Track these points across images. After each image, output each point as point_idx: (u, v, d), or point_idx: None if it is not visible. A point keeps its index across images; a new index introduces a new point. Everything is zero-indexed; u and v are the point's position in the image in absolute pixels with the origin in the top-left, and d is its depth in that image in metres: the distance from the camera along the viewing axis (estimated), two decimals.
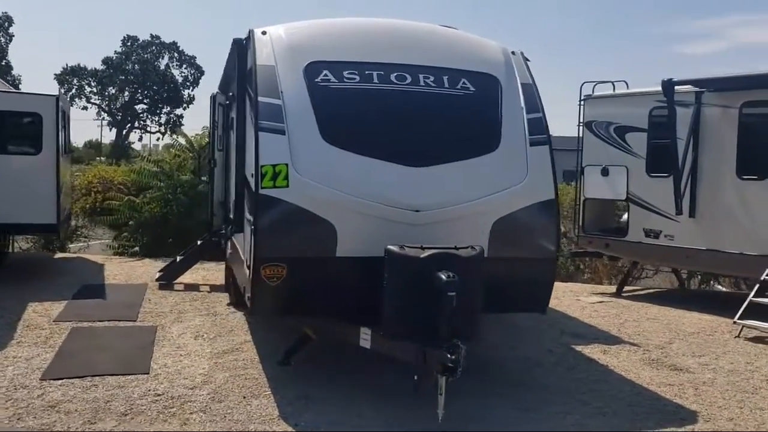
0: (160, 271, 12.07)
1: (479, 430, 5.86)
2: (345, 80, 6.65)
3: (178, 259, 12.08)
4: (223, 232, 11.25)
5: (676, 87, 10.55)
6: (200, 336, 8.55)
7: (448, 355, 5.48)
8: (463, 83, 6.91)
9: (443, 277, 5.54)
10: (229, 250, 9.84)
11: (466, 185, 6.56)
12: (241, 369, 7.26)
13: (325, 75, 6.63)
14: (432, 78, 6.82)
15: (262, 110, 6.41)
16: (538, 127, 6.98)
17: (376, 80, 6.70)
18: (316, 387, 6.66)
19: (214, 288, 11.64)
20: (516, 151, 6.81)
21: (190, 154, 16.64)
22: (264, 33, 6.93)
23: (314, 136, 6.40)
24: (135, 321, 9.27)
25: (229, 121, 10.66)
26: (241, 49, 7.39)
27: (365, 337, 6.25)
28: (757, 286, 9.64)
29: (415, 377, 5.73)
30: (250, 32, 7.00)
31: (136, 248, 15.93)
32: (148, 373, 7.06)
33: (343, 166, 6.37)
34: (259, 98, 6.47)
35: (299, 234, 6.31)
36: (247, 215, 6.47)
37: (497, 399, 6.53)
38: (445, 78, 6.87)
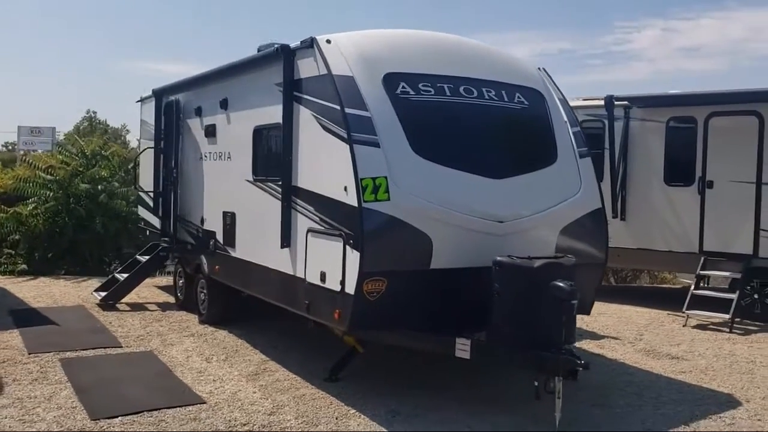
0: (98, 291, 11.00)
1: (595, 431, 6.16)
2: (422, 93, 6.65)
3: (117, 277, 11.06)
4: (168, 245, 10.59)
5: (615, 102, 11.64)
6: (210, 359, 8.02)
7: (578, 360, 5.75)
8: (518, 97, 7.20)
9: (565, 286, 5.79)
10: (209, 266, 9.27)
11: (538, 196, 6.87)
12: (293, 389, 6.97)
13: (404, 87, 6.59)
14: (493, 92, 7.03)
15: (352, 122, 6.23)
16: (580, 140, 7.47)
17: (448, 93, 6.77)
18: (395, 401, 6.59)
19: (160, 305, 10.86)
20: (570, 163, 7.23)
21: (81, 161, 15.18)
22: (329, 41, 6.71)
23: (405, 148, 6.34)
24: (122, 347, 8.43)
25: (175, 126, 10.08)
26: (289, 55, 7.10)
27: (463, 348, 6.30)
28: (694, 280, 10.96)
29: (536, 383, 5.92)
30: (313, 40, 6.75)
31: (23, 266, 14.23)
32: (205, 403, 6.54)
33: (434, 178, 6.39)
34: (347, 110, 6.28)
35: (399, 247, 6.23)
36: (342, 229, 6.24)
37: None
38: (504, 92, 7.11)
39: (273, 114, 7.56)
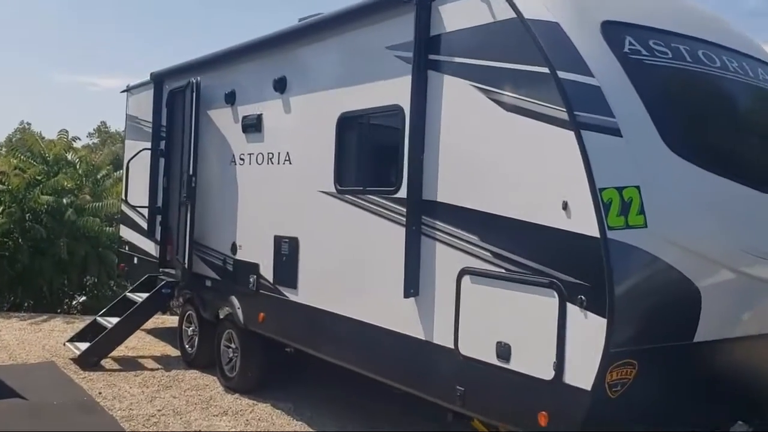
0: (74, 341, 8.09)
1: None
2: (656, 54, 4.17)
3: (101, 322, 8.16)
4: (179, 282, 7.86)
5: None
6: None
7: None
8: (764, 75, 4.80)
9: None
10: (246, 313, 6.57)
11: None
12: None
13: (632, 44, 4.10)
14: (735, 63, 4.61)
15: (573, 94, 3.72)
16: None
17: (688, 59, 4.31)
18: None
19: (159, 361, 8.05)
20: None
21: (41, 167, 12.19)
22: None
23: (655, 141, 3.84)
24: None
25: (192, 120, 7.39)
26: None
27: None
28: None
29: None
30: None
31: None
32: None
33: (698, 190, 3.91)
34: (561, 74, 3.76)
35: (657, 308, 3.71)
36: (557, 274, 3.68)
37: None
38: (746, 65, 4.69)
39: (382, 92, 5.02)
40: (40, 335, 9.32)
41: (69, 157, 12.67)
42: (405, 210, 4.70)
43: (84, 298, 12.60)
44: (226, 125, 7.15)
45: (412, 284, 4.61)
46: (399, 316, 4.74)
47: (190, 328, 7.95)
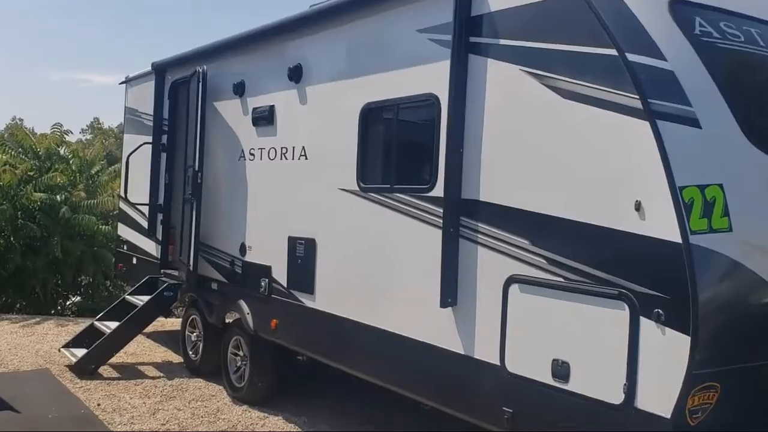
0: (69, 347, 7.61)
1: None
2: (728, 38, 3.73)
3: (99, 327, 7.68)
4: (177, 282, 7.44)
5: None
6: None
7: None
8: None
9: None
10: (256, 319, 6.12)
11: None
12: None
13: (702, 25, 3.66)
14: None
15: (646, 79, 3.27)
16: None
17: (761, 44, 3.87)
18: None
19: (160, 368, 7.59)
20: None
21: (33, 162, 11.67)
22: None
23: (734, 132, 3.40)
24: None
25: (198, 112, 6.95)
26: None
27: None
28: None
29: None
30: None
31: None
32: None
33: None
34: (631, 57, 3.31)
35: (743, 322, 3.27)
36: (628, 284, 3.24)
37: None
38: None
39: (414, 80, 4.56)
40: (33, 339, 8.83)
41: (61, 152, 12.14)
42: (441, 210, 4.24)
43: (78, 298, 12.10)
44: (234, 118, 6.68)
45: (450, 293, 4.16)
46: (434, 328, 4.29)
47: (194, 334, 7.48)
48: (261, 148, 6.26)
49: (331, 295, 5.31)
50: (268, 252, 6.07)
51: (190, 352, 7.54)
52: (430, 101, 4.39)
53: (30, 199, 10.92)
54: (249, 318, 6.25)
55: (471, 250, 4.08)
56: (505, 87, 3.93)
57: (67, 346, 7.67)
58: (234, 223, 6.59)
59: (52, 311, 11.56)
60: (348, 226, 5.15)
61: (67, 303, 12.07)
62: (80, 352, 7.34)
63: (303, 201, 5.68)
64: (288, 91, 5.88)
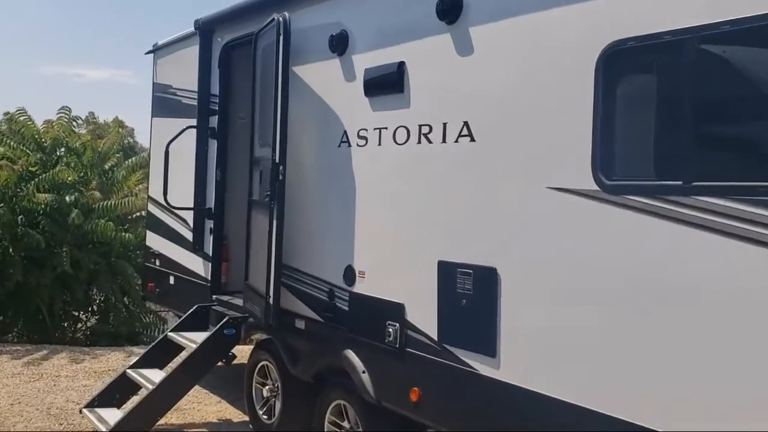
0: (92, 407, 5.57)
1: None
2: None
3: (133, 376, 5.64)
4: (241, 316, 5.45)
5: None
6: None
7: None
8: None
9: None
10: (378, 384, 4.11)
11: None
12: None
13: None
14: None
15: None
16: None
17: None
18: None
19: (217, 428, 5.59)
20: None
21: (36, 155, 9.59)
22: None
23: None
24: None
25: (279, 79, 4.86)
26: None
27: None
28: None
29: None
30: None
31: None
32: None
33: None
34: None
35: None
36: None
37: None
38: None
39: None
40: (42, 385, 6.80)
41: (70, 143, 10.03)
42: None
43: (92, 320, 10.06)
44: (330, 86, 4.65)
45: None
46: None
47: (266, 387, 5.44)
48: (379, 128, 4.21)
49: (536, 361, 3.28)
50: (397, 282, 4.05)
51: (261, 412, 5.49)
52: None
53: (33, 201, 8.85)
54: (366, 380, 4.22)
55: None
56: None
57: (91, 405, 5.62)
58: (333, 236, 4.56)
59: (58, 333, 9.54)
60: (573, 251, 3.10)
61: (79, 326, 10.02)
62: (110, 415, 5.30)
63: (467, 208, 3.64)
64: (434, 37, 3.82)
